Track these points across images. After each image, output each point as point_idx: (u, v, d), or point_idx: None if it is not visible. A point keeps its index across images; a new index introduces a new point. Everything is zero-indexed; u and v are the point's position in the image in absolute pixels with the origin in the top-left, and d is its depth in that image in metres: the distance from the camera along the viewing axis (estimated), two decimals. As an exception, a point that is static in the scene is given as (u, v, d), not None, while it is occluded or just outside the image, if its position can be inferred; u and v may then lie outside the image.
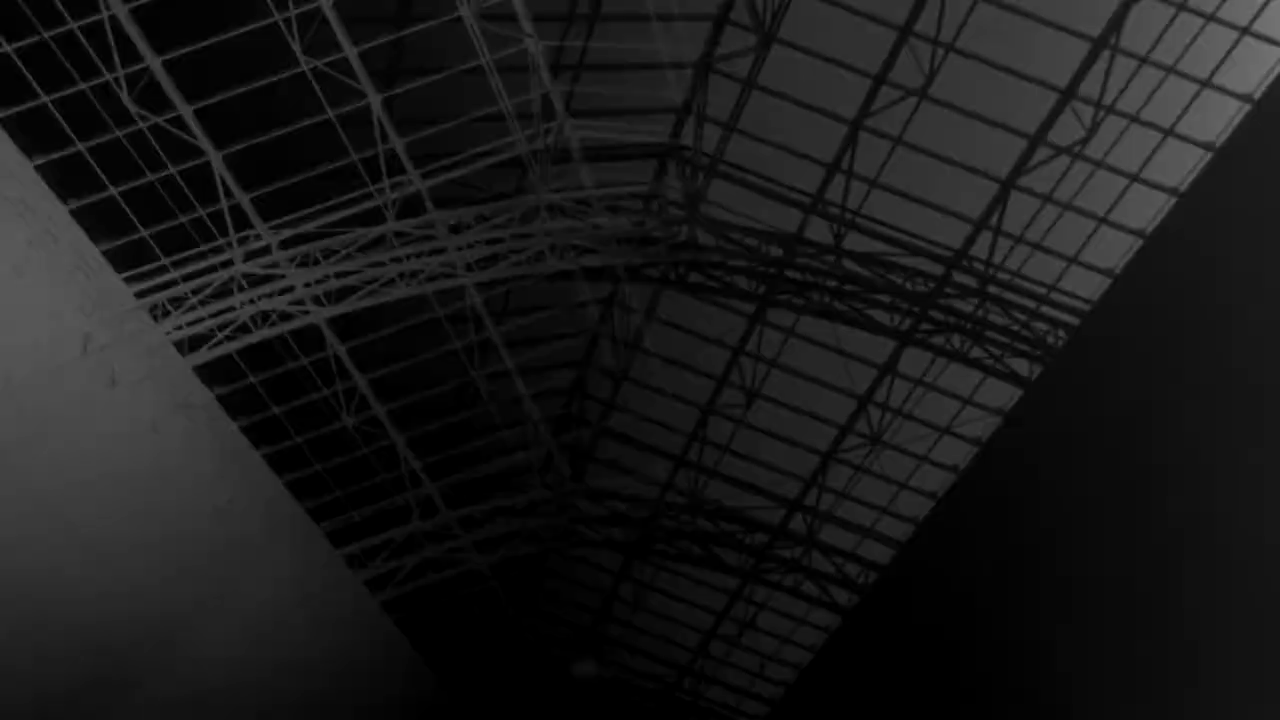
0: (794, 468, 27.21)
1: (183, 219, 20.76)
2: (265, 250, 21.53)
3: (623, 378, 25.64)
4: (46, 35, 17.69)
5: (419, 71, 20.15)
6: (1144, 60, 19.48)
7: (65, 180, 19.14)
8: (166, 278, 20.99)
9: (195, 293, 21.27)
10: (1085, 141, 20.33)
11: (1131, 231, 21.40)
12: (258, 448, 24.76)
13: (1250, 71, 19.22)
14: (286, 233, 21.53)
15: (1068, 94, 19.98)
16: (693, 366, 25.68)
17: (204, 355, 21.64)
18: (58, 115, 18.54)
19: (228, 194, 20.75)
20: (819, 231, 22.76)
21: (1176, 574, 18.54)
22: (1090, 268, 22.16)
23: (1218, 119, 19.85)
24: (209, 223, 21.00)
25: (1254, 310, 16.97)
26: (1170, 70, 19.50)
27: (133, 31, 17.96)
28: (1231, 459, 17.62)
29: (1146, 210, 21.18)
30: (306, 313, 22.00)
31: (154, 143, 19.51)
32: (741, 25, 20.22)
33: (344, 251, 21.68)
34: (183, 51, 18.56)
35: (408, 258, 21.56)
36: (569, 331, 25.52)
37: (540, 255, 21.91)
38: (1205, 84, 19.48)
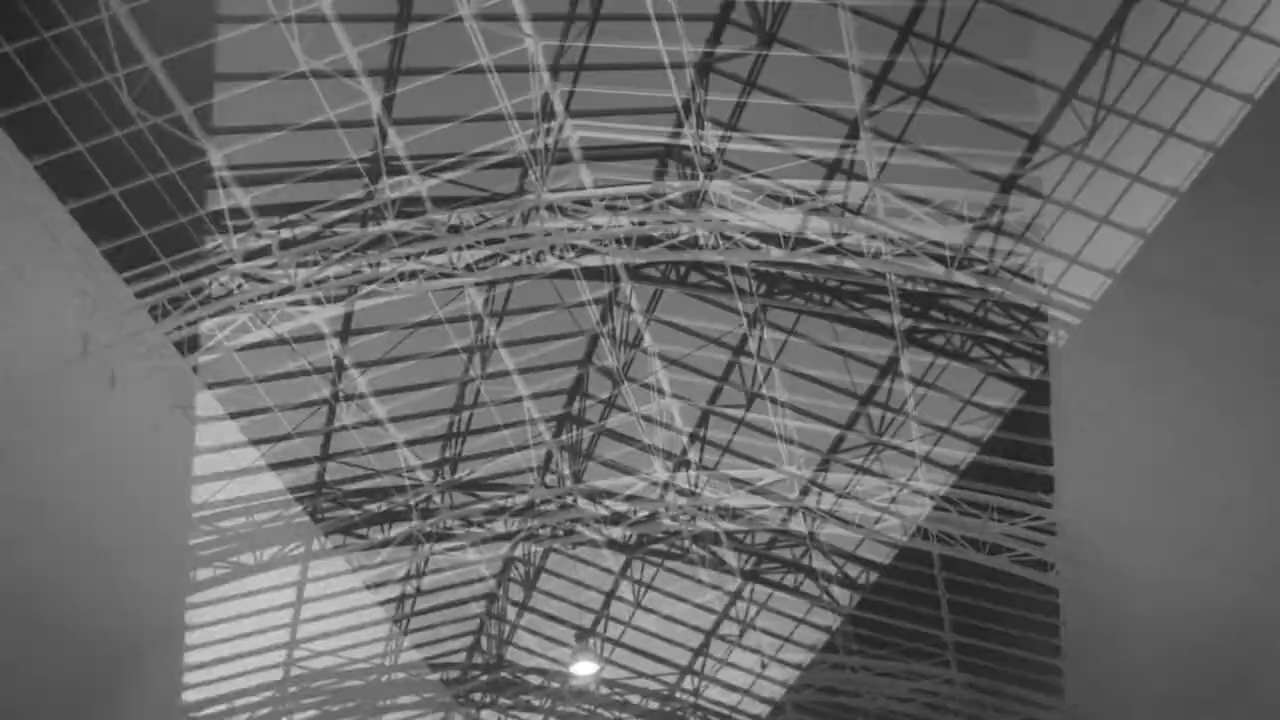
0: (794, 467, 27.16)
1: (182, 219, 20.73)
2: (265, 250, 21.52)
3: (623, 378, 25.60)
4: (46, 35, 17.66)
5: (419, 71, 20.13)
6: (1144, 60, 19.45)
7: (65, 180, 19.09)
8: (166, 278, 20.97)
9: (195, 293, 21.24)
10: (1085, 141, 20.30)
11: (1131, 231, 21.37)
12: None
13: (1250, 71, 19.17)
14: (286, 233, 21.51)
15: (1068, 94, 19.95)
16: (693, 366, 25.66)
17: (204, 355, 21.62)
18: (58, 115, 18.48)
19: (228, 194, 20.75)
20: (819, 232, 22.71)
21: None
22: (1090, 268, 22.12)
23: (1218, 119, 19.79)
24: (209, 222, 20.98)
25: (1253, 310, 16.99)
26: (1170, 70, 19.47)
27: (132, 32, 17.94)
28: (1230, 455, 17.65)
29: (1146, 210, 21.12)
30: (307, 312, 21.98)
31: (154, 142, 19.47)
32: (742, 25, 20.20)
33: (344, 251, 21.65)
34: (182, 51, 18.56)
35: (408, 258, 21.54)
36: (569, 331, 25.50)
37: (540, 255, 21.88)
38: (1205, 84, 19.44)
